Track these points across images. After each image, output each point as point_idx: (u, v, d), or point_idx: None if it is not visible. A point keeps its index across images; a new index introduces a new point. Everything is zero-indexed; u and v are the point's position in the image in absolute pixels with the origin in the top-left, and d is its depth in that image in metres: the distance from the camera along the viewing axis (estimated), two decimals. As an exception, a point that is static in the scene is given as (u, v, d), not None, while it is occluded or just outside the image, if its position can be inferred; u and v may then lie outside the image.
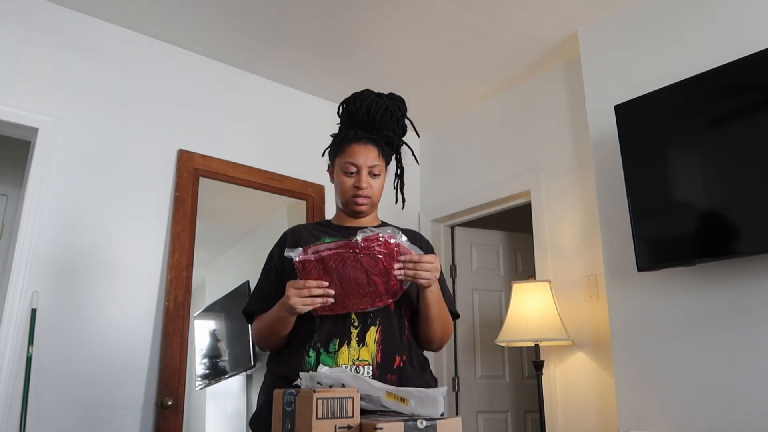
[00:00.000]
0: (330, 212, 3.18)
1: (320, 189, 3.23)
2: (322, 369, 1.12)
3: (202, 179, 2.83)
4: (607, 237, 2.46)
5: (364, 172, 1.49)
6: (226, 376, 3.07)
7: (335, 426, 0.96)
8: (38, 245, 2.34)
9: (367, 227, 1.33)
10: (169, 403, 2.44)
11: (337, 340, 1.35)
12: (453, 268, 3.56)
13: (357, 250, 1.26)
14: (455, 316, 1.54)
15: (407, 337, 1.44)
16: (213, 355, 3.12)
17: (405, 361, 1.39)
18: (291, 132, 3.26)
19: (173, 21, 2.73)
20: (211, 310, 3.06)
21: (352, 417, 0.98)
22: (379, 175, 1.51)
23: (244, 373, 3.02)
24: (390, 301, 1.32)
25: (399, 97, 1.59)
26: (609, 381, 2.50)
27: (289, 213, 3.18)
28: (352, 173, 1.49)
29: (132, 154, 2.67)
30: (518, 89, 3.28)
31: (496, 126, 3.37)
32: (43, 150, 2.42)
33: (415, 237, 1.60)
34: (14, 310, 2.23)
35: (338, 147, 1.53)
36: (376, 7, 2.61)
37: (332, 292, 1.28)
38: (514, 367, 3.51)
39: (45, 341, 2.28)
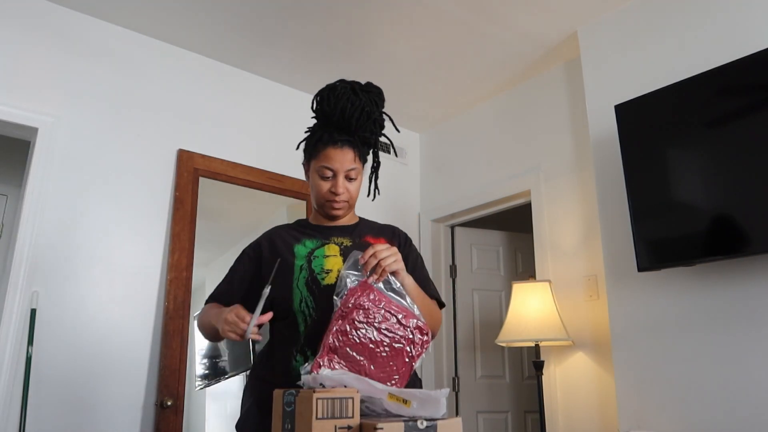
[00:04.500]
0: (330, 212, 3.18)
1: (320, 189, 3.23)
2: (324, 371, 1.11)
3: (202, 179, 2.83)
4: (607, 237, 2.45)
5: (341, 178, 1.43)
6: (226, 376, 3.07)
7: (335, 426, 0.96)
8: (38, 245, 2.34)
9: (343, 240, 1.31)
10: (169, 403, 2.44)
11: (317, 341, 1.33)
12: (453, 268, 3.56)
13: (345, 321, 1.18)
14: (441, 304, 1.49)
15: None
16: (213, 355, 3.12)
17: None
18: (291, 132, 3.25)
19: (173, 21, 2.72)
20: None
21: (352, 417, 0.98)
22: (355, 178, 1.46)
23: (244, 373, 3.02)
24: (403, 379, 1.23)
25: (376, 89, 1.49)
26: (609, 381, 2.50)
27: (289, 213, 3.18)
28: (327, 178, 1.44)
29: (132, 154, 2.67)
30: (518, 89, 3.28)
31: (496, 126, 3.37)
32: (43, 150, 2.42)
33: (393, 232, 1.56)
34: (14, 310, 2.23)
35: (313, 149, 1.46)
36: (377, 7, 2.60)
37: (259, 338, 1.24)
38: (514, 367, 3.51)
39: (45, 341, 2.28)
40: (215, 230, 3.02)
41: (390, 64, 3.08)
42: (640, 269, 2.16)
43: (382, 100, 1.51)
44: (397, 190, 3.66)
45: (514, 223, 3.87)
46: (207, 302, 1.54)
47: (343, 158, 1.43)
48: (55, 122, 2.47)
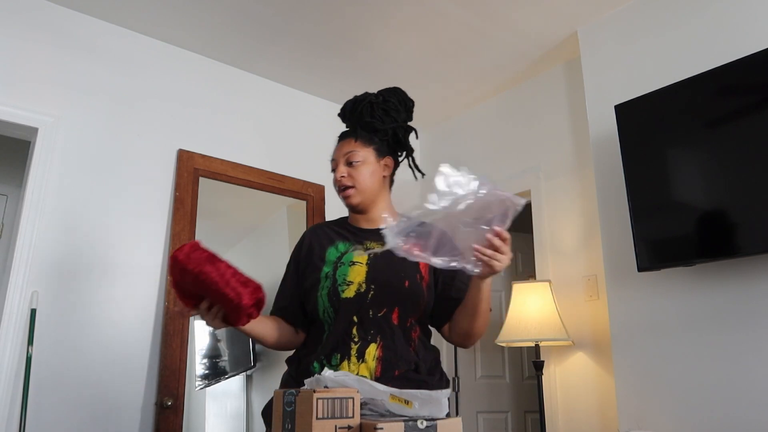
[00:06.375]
0: (330, 212, 3.18)
1: (320, 189, 3.23)
2: (326, 372, 1.12)
3: (202, 179, 2.83)
4: (607, 237, 2.45)
5: (340, 163, 1.50)
6: (226, 376, 3.07)
7: (335, 426, 0.96)
8: (38, 245, 2.33)
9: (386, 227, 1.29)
10: (169, 403, 2.44)
11: (339, 355, 1.35)
12: (453, 268, 3.56)
13: None
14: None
15: (414, 348, 1.40)
16: (213, 355, 3.12)
17: (407, 372, 1.36)
18: (291, 132, 3.26)
19: (173, 21, 2.72)
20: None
21: (352, 417, 0.98)
22: (359, 161, 1.48)
23: (244, 373, 3.02)
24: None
25: (393, 88, 1.57)
26: (609, 381, 2.50)
27: (289, 213, 3.18)
28: (334, 170, 1.51)
29: (132, 154, 2.67)
30: (518, 89, 3.28)
31: (496, 126, 3.37)
32: (43, 150, 2.42)
33: None
34: (14, 310, 2.23)
35: None
36: (377, 7, 2.60)
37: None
38: (514, 367, 3.51)
39: (45, 341, 2.27)
40: (215, 230, 3.02)
41: (389, 64, 3.07)
42: (640, 269, 2.16)
43: (398, 95, 1.56)
44: (396, 189, 3.65)
45: (514, 223, 3.86)
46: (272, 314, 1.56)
47: (342, 146, 1.52)
48: (55, 122, 2.47)
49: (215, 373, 3.09)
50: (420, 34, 2.80)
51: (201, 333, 3.06)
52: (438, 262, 1.13)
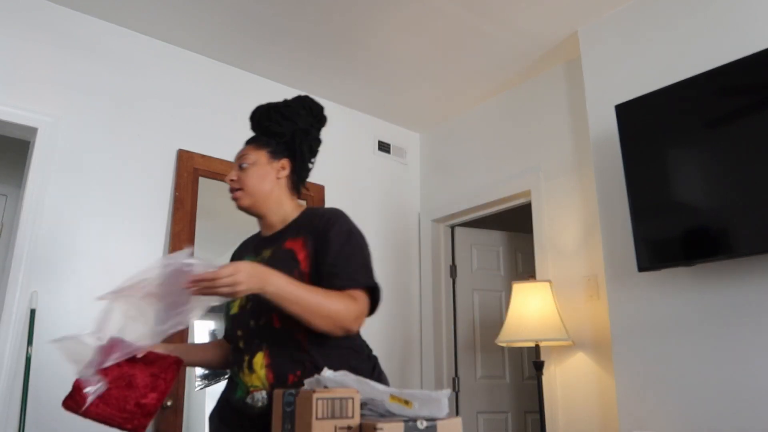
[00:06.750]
0: (330, 212, 3.18)
1: (320, 189, 3.23)
2: (326, 372, 1.12)
3: (201, 179, 2.83)
4: (607, 237, 2.45)
5: (234, 168, 1.51)
6: (226, 376, 3.07)
7: (335, 426, 0.96)
8: (38, 245, 2.33)
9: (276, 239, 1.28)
10: (169, 403, 2.44)
11: (236, 368, 1.39)
12: (453, 268, 3.56)
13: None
14: (373, 289, 1.36)
15: (305, 349, 1.33)
16: (213, 355, 3.12)
17: (305, 374, 1.28)
18: (291, 132, 3.26)
19: (173, 21, 2.72)
20: (210, 310, 3.06)
21: (352, 417, 0.98)
22: (248, 164, 1.49)
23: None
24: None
25: (300, 95, 1.61)
26: (609, 381, 2.50)
27: (289, 213, 3.17)
28: None
29: (131, 154, 2.67)
30: (518, 89, 3.28)
31: (496, 126, 3.37)
32: (42, 150, 2.42)
33: (311, 221, 1.46)
34: (14, 310, 2.23)
35: None
36: (376, 7, 2.60)
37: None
38: (515, 368, 3.51)
39: (44, 341, 2.27)
40: (215, 230, 3.01)
41: (390, 64, 3.07)
42: (640, 269, 2.16)
43: (301, 99, 1.60)
44: (397, 190, 3.66)
45: (514, 223, 3.87)
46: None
47: (239, 152, 1.54)
48: (55, 122, 2.47)
49: (215, 373, 3.09)
50: (420, 34, 2.80)
51: (200, 333, 3.06)
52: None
